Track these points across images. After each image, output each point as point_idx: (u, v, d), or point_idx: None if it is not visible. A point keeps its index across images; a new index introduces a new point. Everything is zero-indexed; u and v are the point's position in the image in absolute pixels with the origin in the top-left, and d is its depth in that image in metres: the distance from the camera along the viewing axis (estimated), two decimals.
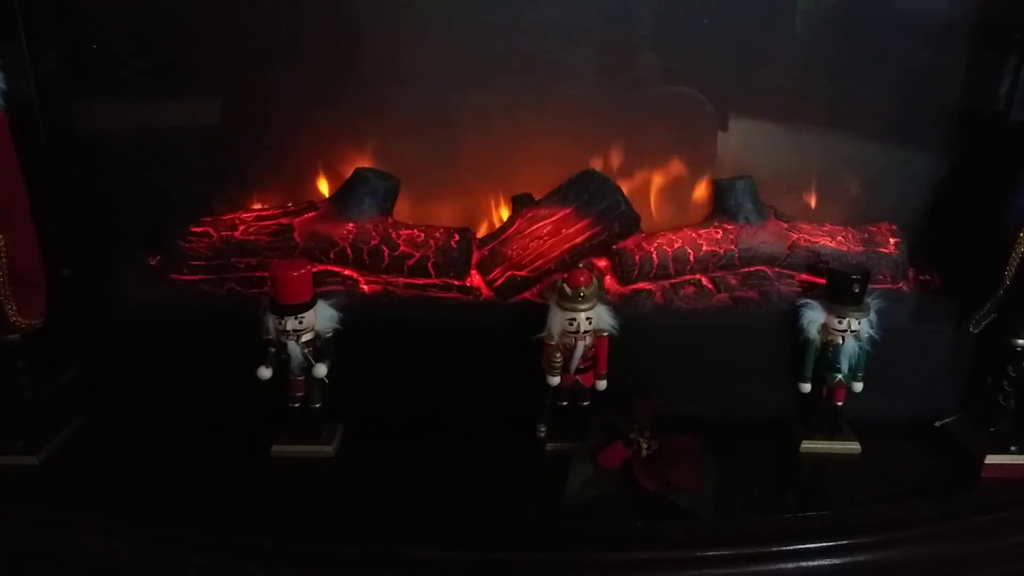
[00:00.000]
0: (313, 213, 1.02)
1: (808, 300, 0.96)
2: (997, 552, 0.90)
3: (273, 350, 0.90)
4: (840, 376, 0.94)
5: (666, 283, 1.01)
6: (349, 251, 0.99)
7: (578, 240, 1.00)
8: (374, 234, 0.99)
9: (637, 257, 1.00)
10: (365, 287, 1.01)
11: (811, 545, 0.86)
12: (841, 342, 0.93)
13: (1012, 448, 0.95)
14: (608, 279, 1.02)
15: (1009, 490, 0.93)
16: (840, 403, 0.96)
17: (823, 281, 0.98)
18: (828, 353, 0.94)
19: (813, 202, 1.08)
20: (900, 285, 1.05)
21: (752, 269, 1.02)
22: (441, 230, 1.01)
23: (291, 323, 0.88)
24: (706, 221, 1.04)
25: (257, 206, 1.06)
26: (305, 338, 0.90)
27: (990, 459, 0.94)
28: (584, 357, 0.91)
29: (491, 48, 1.01)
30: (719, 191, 1.04)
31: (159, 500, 0.88)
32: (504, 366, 0.97)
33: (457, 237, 1.00)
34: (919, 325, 1.02)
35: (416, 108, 1.03)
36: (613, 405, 0.94)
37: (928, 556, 0.89)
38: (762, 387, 1.00)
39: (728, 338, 0.99)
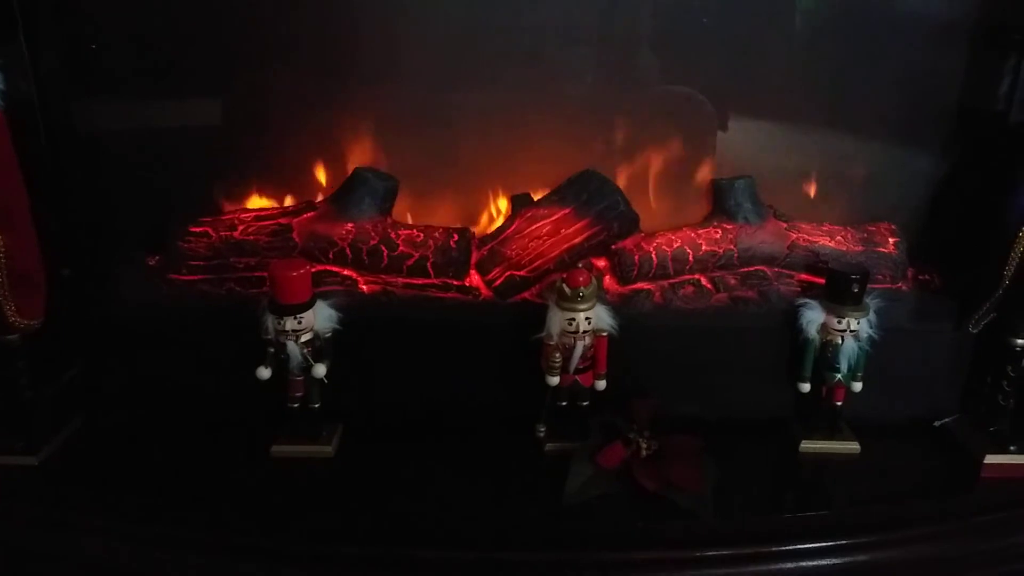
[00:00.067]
0: (312, 213, 1.02)
1: (807, 300, 0.96)
2: (997, 552, 0.90)
3: (272, 350, 0.90)
4: (839, 376, 0.94)
5: (665, 283, 1.01)
6: (348, 251, 0.99)
7: (577, 240, 1.00)
8: (373, 234, 0.99)
9: (636, 257, 1.00)
10: (364, 287, 1.01)
11: (811, 545, 0.86)
12: (840, 342, 0.93)
13: (1012, 448, 0.95)
14: (607, 279, 1.02)
15: (1009, 490, 0.92)
16: (839, 403, 0.96)
17: (822, 281, 0.98)
18: (827, 353, 0.94)
19: (812, 202, 1.08)
20: (899, 285, 1.05)
21: (751, 269, 1.02)
22: (440, 230, 1.01)
23: (290, 323, 0.88)
24: (705, 221, 1.04)
25: (257, 201, 1.06)
26: (304, 338, 0.90)
27: (990, 459, 0.94)
28: (583, 357, 0.91)
29: (491, 48, 1.01)
30: (718, 191, 1.03)
31: (159, 500, 0.88)
32: (503, 366, 0.97)
33: (456, 237, 1.00)
34: (918, 325, 1.01)
35: (416, 108, 1.03)
36: (612, 405, 0.94)
37: (928, 556, 0.89)
38: (761, 387, 1.00)
39: (727, 338, 0.99)
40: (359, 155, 1.04)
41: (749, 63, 1.02)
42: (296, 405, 0.93)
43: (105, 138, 1.00)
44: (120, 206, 1.01)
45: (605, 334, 0.91)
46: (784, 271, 1.02)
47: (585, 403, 0.94)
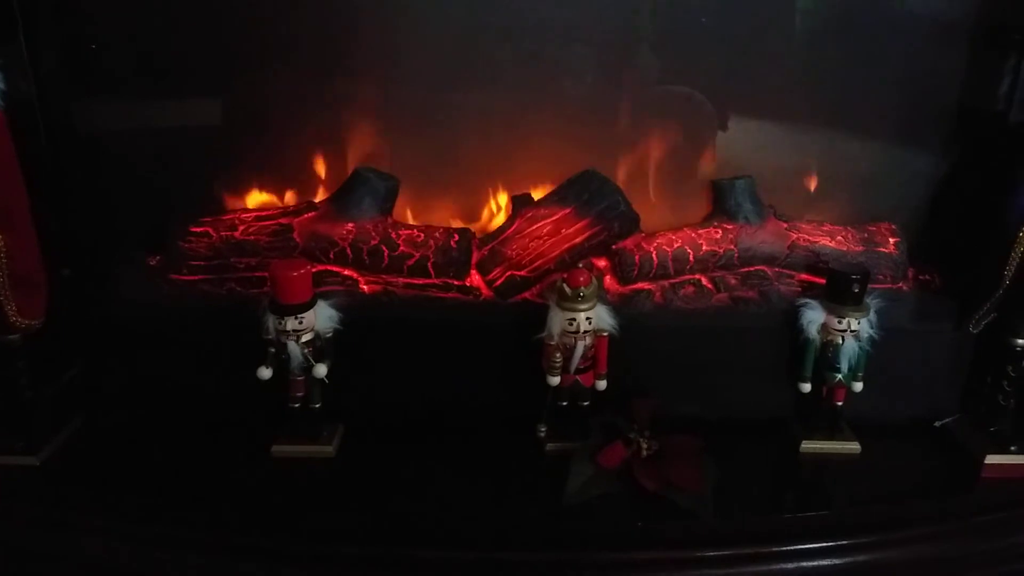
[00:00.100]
0: (313, 213, 1.02)
1: (808, 300, 0.96)
2: (997, 552, 0.90)
3: (273, 350, 0.90)
4: (840, 376, 0.94)
5: (666, 283, 1.01)
6: (349, 251, 0.99)
7: (578, 240, 1.00)
8: (374, 234, 0.99)
9: (637, 257, 1.00)
10: (365, 287, 1.01)
11: (811, 545, 0.87)
12: (841, 342, 0.93)
13: (1012, 448, 0.95)
14: (608, 279, 1.02)
15: (1009, 490, 0.93)
16: (840, 403, 0.96)
17: (823, 281, 0.98)
18: (828, 353, 0.94)
19: (813, 202, 1.08)
20: (900, 285, 1.05)
21: (752, 269, 1.02)
22: (441, 230, 1.01)
23: (291, 323, 0.88)
24: (706, 221, 1.04)
25: (258, 201, 1.06)
26: (305, 338, 0.90)
27: (990, 459, 0.94)
28: (584, 357, 0.91)
29: (491, 48, 1.01)
30: (718, 191, 1.03)
31: (159, 500, 0.88)
32: (504, 366, 0.97)
33: (457, 237, 1.00)
34: (919, 325, 1.02)
35: (416, 108, 1.03)
36: (613, 405, 0.94)
37: (928, 556, 0.89)
38: (762, 387, 1.00)
39: (728, 338, 0.99)
40: (360, 155, 1.04)
41: (749, 63, 1.01)
42: (297, 405, 0.93)
43: (105, 138, 1.00)
44: (120, 206, 1.01)
45: (606, 334, 0.91)
46: (785, 271, 1.03)
47: (586, 403, 0.94)
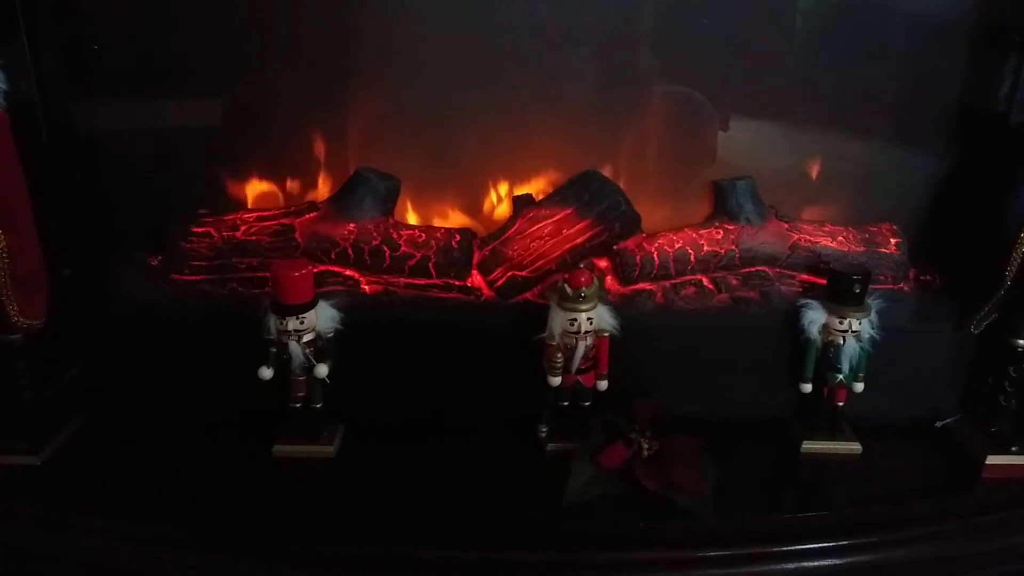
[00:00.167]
0: (314, 213, 1.02)
1: (809, 300, 0.96)
2: (997, 552, 0.90)
3: (274, 350, 0.90)
4: (841, 376, 0.94)
5: (667, 283, 1.01)
6: (350, 251, 0.99)
7: (579, 240, 1.00)
8: (375, 234, 0.99)
9: (638, 257, 1.00)
10: (366, 287, 1.01)
11: (811, 545, 0.87)
12: (842, 342, 0.93)
13: (1013, 448, 0.95)
14: (609, 279, 1.02)
15: (1009, 490, 0.93)
16: (841, 403, 0.96)
17: (824, 281, 0.98)
18: (829, 353, 0.94)
19: (814, 202, 1.08)
20: (901, 285, 1.05)
21: (753, 269, 1.02)
22: (442, 230, 1.01)
23: (292, 323, 0.88)
24: (707, 221, 1.04)
25: (258, 201, 1.06)
26: (306, 338, 0.90)
27: (990, 459, 0.94)
28: (585, 357, 0.91)
29: (491, 48, 1.01)
30: (720, 191, 1.03)
31: (159, 500, 0.88)
32: (505, 366, 0.97)
33: (458, 237, 1.00)
34: (920, 325, 1.02)
35: (416, 108, 1.03)
36: (614, 405, 0.94)
37: (928, 556, 0.89)
38: (763, 387, 1.00)
39: (729, 338, 0.99)
40: (361, 155, 1.04)
41: (749, 63, 1.02)
42: (298, 405, 0.93)
43: (105, 138, 1.00)
44: (120, 206, 1.01)
45: (607, 334, 0.91)
46: (786, 271, 1.02)
47: (587, 403, 0.94)
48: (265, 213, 1.02)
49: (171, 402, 0.99)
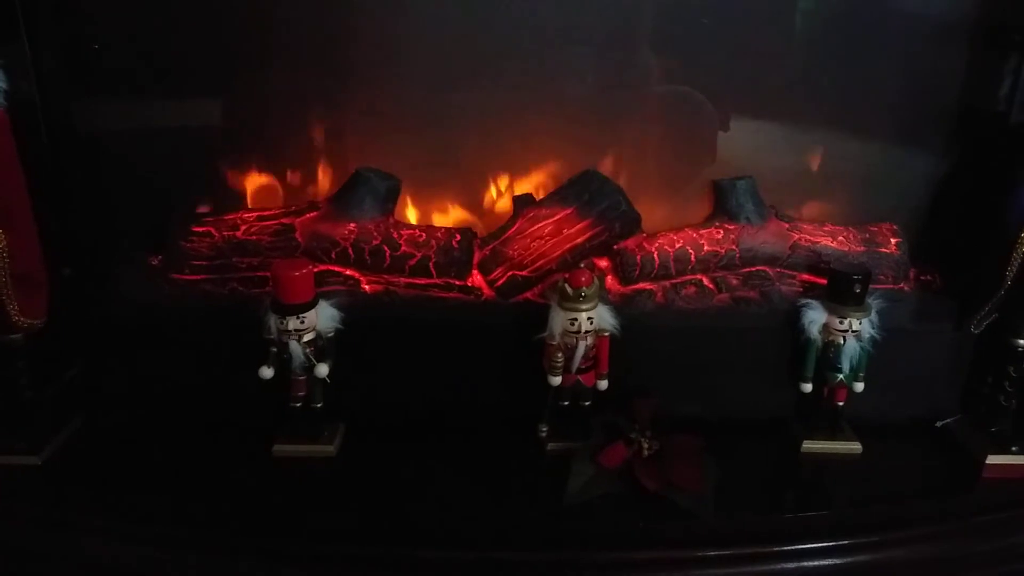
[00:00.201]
0: (315, 213, 1.02)
1: (809, 300, 0.96)
2: (997, 552, 0.90)
3: (275, 350, 0.90)
4: (841, 376, 0.94)
5: (667, 283, 1.01)
6: (351, 251, 0.99)
7: (579, 240, 1.00)
8: (375, 234, 0.99)
9: (638, 257, 1.00)
10: (366, 287, 1.01)
11: (811, 545, 0.87)
12: (842, 342, 0.93)
13: (1013, 448, 0.95)
14: (609, 279, 1.02)
15: (1009, 490, 0.93)
16: (841, 403, 0.96)
17: (824, 281, 0.98)
18: (829, 353, 0.94)
19: (814, 202, 1.08)
20: (901, 285, 1.05)
21: (753, 269, 1.02)
22: (442, 230, 1.01)
23: (293, 323, 0.88)
24: (707, 221, 1.04)
25: (258, 200, 1.06)
26: (307, 338, 0.90)
27: (991, 459, 0.94)
28: (585, 357, 0.91)
29: (491, 48, 1.01)
30: (720, 191, 1.03)
31: (159, 500, 0.88)
32: (505, 366, 0.97)
33: (458, 237, 1.00)
34: (920, 325, 1.02)
35: (416, 108, 1.03)
36: (614, 405, 0.94)
37: (928, 556, 0.89)
38: (763, 387, 1.00)
39: (729, 338, 0.99)
40: (360, 154, 1.04)
41: (749, 63, 1.01)
42: (298, 405, 0.93)
43: (105, 138, 1.00)
44: (120, 206, 1.01)
45: (607, 334, 0.91)
46: (786, 271, 1.02)
47: (587, 403, 0.94)
48: (265, 213, 1.02)
49: (171, 402, 0.99)
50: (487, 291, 1.02)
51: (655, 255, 1.00)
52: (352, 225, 0.99)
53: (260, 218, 1.01)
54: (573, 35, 1.01)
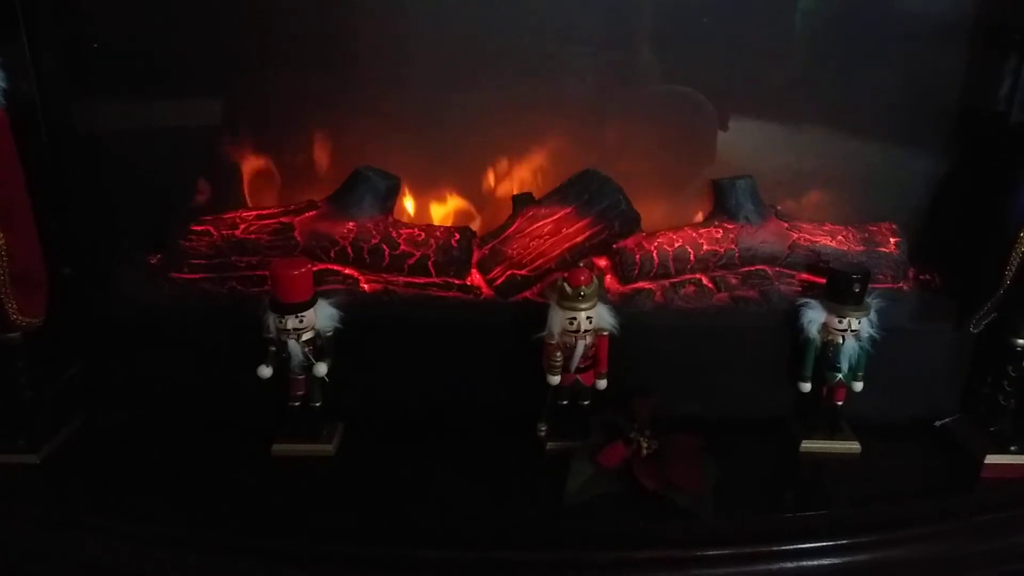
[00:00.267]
0: (314, 212, 1.02)
1: (808, 300, 0.96)
2: (997, 552, 0.90)
3: (274, 349, 0.90)
4: (840, 376, 0.94)
5: (666, 282, 1.01)
6: (350, 250, 0.99)
7: (578, 239, 1.00)
8: (375, 233, 0.99)
9: (637, 256, 1.00)
10: (365, 286, 1.01)
11: (811, 545, 0.86)
12: (841, 342, 0.93)
13: (1012, 448, 0.95)
14: (608, 278, 1.02)
15: (1009, 490, 0.93)
16: (840, 403, 0.96)
17: (823, 281, 0.98)
18: (828, 353, 0.94)
19: (813, 201, 1.08)
20: (900, 285, 1.05)
21: (752, 268, 1.02)
22: (441, 229, 1.01)
23: (292, 322, 0.88)
24: (706, 220, 1.04)
25: (258, 200, 1.06)
26: (306, 337, 0.90)
27: (990, 459, 0.94)
28: (584, 356, 0.91)
29: (492, 48, 1.01)
30: (719, 190, 1.03)
31: (159, 500, 0.88)
32: (504, 365, 0.97)
33: (457, 236, 1.00)
34: (919, 325, 1.02)
35: (416, 107, 1.03)
36: (613, 404, 0.94)
37: (928, 556, 0.89)
38: (762, 386, 1.00)
39: (728, 337, 0.99)
40: (360, 153, 1.04)
41: (749, 63, 1.02)
42: (297, 404, 0.93)
43: (105, 138, 1.00)
44: (120, 206, 1.01)
45: (606, 333, 0.91)
46: (785, 271, 1.02)
47: (586, 402, 0.94)
48: (264, 211, 1.03)
49: (171, 402, 0.99)
50: (486, 290, 1.02)
51: (654, 254, 1.00)
52: (351, 224, 0.99)
53: (259, 217, 1.01)
54: (573, 35, 1.01)
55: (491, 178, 1.07)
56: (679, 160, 1.08)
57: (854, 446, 0.97)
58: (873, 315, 0.93)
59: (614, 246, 1.02)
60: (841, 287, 0.93)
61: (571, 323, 0.89)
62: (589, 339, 0.90)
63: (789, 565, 0.86)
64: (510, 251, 1.01)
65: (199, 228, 1.00)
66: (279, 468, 0.92)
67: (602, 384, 0.93)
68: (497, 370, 0.98)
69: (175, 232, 1.00)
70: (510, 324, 0.95)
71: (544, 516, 0.86)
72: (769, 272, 1.02)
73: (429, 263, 0.99)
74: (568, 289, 0.88)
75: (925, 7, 0.99)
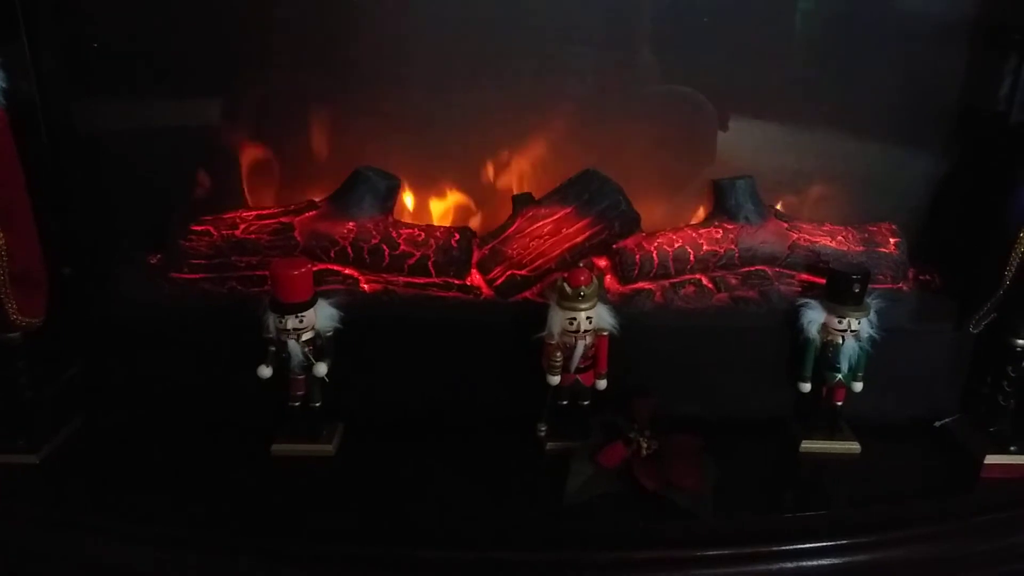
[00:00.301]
0: (314, 212, 1.02)
1: (808, 300, 0.96)
2: (997, 552, 0.90)
3: (273, 349, 0.90)
4: (840, 376, 0.94)
5: (666, 282, 1.01)
6: (350, 250, 0.99)
7: (578, 239, 1.00)
8: (375, 233, 0.99)
9: (637, 256, 1.00)
10: (365, 286, 1.01)
11: (811, 545, 0.86)
12: (841, 342, 0.93)
13: (1012, 448, 0.95)
14: (608, 278, 1.02)
15: (1009, 490, 0.93)
16: (840, 403, 0.96)
17: (823, 281, 0.98)
18: (828, 353, 0.94)
19: (813, 202, 1.08)
20: (900, 285, 1.05)
21: (752, 269, 1.02)
22: (441, 229, 1.01)
23: (291, 322, 0.88)
24: (706, 221, 1.04)
25: (258, 200, 1.06)
26: (305, 337, 0.90)
27: (990, 459, 0.94)
28: (584, 356, 0.91)
29: (492, 48, 1.01)
30: (719, 191, 1.03)
31: (159, 500, 0.88)
32: (504, 365, 0.97)
33: (457, 236, 1.00)
34: (919, 325, 1.02)
35: (415, 107, 1.03)
36: (613, 404, 0.94)
37: (928, 556, 0.89)
38: (762, 387, 1.00)
39: (728, 338, 0.99)
40: (360, 153, 1.04)
41: (749, 63, 1.01)
42: (297, 404, 0.93)
43: (105, 138, 1.00)
44: (120, 206, 1.01)
45: (606, 333, 0.91)
46: (785, 271, 1.02)
47: (586, 402, 0.94)
48: (264, 211, 1.03)
49: (171, 402, 0.99)
50: (486, 290, 1.02)
51: (654, 254, 1.00)
52: (351, 224, 0.99)
53: (259, 217, 1.01)
54: (573, 35, 1.01)
55: (491, 178, 1.07)
56: (679, 160, 1.08)
57: (854, 446, 0.97)
58: (873, 315, 0.93)
59: (614, 246, 1.02)
60: (841, 287, 0.93)
61: (571, 323, 0.89)
62: (589, 339, 0.90)
63: (789, 565, 0.86)
64: (510, 251, 1.01)
65: (199, 228, 1.00)
66: (279, 468, 0.92)
67: (602, 384, 0.93)
68: (497, 370, 0.98)
69: (175, 232, 1.00)
70: (510, 324, 0.95)
71: (544, 516, 0.86)
72: (769, 272, 1.02)
73: (429, 263, 0.99)
74: (568, 289, 0.88)
75: (925, 7, 0.99)
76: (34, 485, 0.90)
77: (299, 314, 0.89)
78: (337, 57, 1.01)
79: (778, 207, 1.07)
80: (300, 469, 0.92)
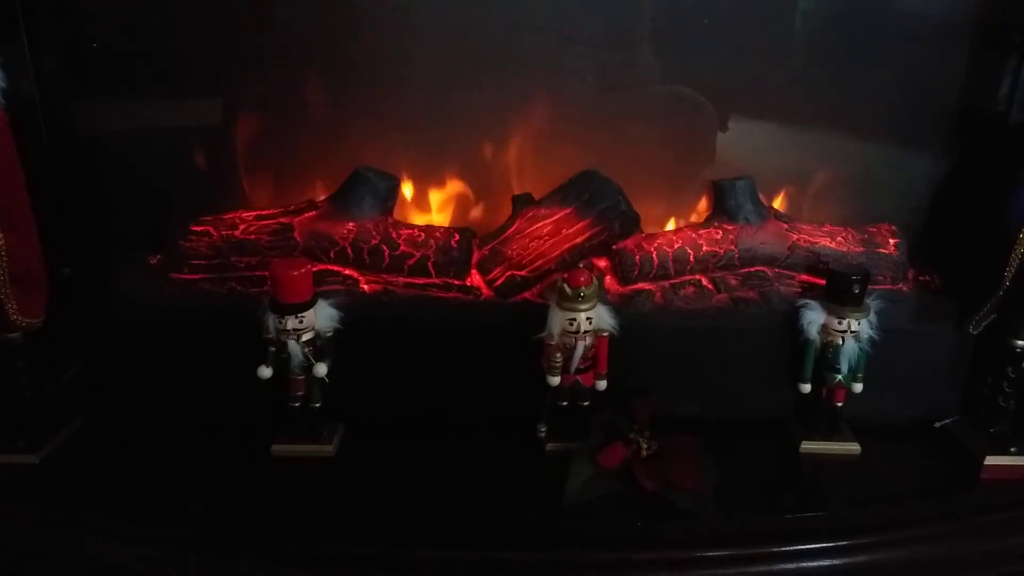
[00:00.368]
0: (313, 212, 1.02)
1: (808, 301, 0.96)
2: (997, 552, 0.90)
3: (273, 349, 0.90)
4: (840, 377, 0.94)
5: (666, 283, 1.01)
6: (349, 250, 0.99)
7: (578, 240, 1.00)
8: (374, 233, 0.99)
9: (637, 257, 1.00)
10: (365, 286, 1.01)
11: (811, 545, 0.87)
12: (841, 343, 0.93)
13: (1012, 449, 0.95)
14: (608, 279, 1.02)
15: (1009, 491, 0.93)
16: (840, 403, 0.96)
17: (823, 282, 0.98)
18: (828, 354, 0.94)
19: (813, 202, 1.08)
20: (900, 286, 1.05)
21: (752, 270, 1.02)
22: (441, 230, 1.01)
23: (291, 322, 0.88)
24: (706, 221, 1.04)
25: (258, 200, 1.06)
26: (305, 337, 0.90)
27: (990, 460, 0.94)
28: (584, 357, 0.91)
29: (492, 48, 1.01)
30: (719, 191, 1.03)
31: (159, 500, 0.88)
32: (504, 366, 0.97)
33: (457, 237, 1.00)
34: (919, 326, 1.02)
35: (415, 107, 1.03)
36: (613, 405, 0.94)
37: (928, 556, 0.89)
38: (762, 387, 1.00)
39: (728, 338, 0.99)
40: (360, 153, 1.04)
41: (749, 63, 1.02)
42: (297, 404, 0.93)
43: (105, 138, 1.00)
44: (120, 206, 1.01)
45: (606, 334, 0.91)
46: (785, 272, 1.02)
47: (586, 403, 0.94)
48: (264, 212, 1.03)
49: (171, 402, 0.99)
50: (486, 291, 1.02)
51: (654, 255, 1.00)
52: (351, 224, 0.99)
53: (259, 217, 1.01)
54: (573, 35, 1.01)
55: (491, 178, 1.07)
56: (679, 161, 1.08)
57: (854, 447, 0.97)
58: (873, 316, 0.93)
59: (614, 247, 1.02)
60: (841, 288, 0.93)
61: (571, 324, 0.89)
62: (589, 340, 0.90)
63: (789, 566, 0.86)
64: (510, 252, 1.01)
65: (199, 228, 1.00)
66: (279, 468, 0.92)
67: (602, 385, 0.93)
68: (497, 371, 0.98)
69: (175, 232, 1.00)
70: (510, 325, 0.95)
71: (544, 516, 0.86)
72: (769, 273, 1.02)
73: (429, 264, 0.99)
74: (568, 290, 0.88)
75: (925, 7, 0.99)
76: (34, 485, 0.90)
77: (299, 315, 0.89)
78: (337, 57, 1.01)
79: (778, 207, 1.07)
80: (300, 469, 0.92)
